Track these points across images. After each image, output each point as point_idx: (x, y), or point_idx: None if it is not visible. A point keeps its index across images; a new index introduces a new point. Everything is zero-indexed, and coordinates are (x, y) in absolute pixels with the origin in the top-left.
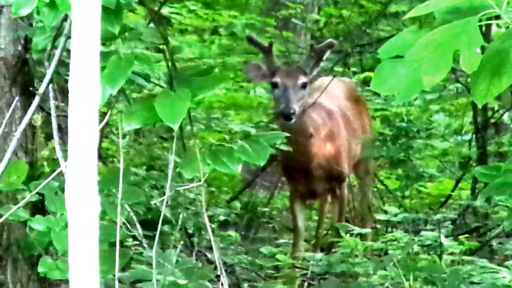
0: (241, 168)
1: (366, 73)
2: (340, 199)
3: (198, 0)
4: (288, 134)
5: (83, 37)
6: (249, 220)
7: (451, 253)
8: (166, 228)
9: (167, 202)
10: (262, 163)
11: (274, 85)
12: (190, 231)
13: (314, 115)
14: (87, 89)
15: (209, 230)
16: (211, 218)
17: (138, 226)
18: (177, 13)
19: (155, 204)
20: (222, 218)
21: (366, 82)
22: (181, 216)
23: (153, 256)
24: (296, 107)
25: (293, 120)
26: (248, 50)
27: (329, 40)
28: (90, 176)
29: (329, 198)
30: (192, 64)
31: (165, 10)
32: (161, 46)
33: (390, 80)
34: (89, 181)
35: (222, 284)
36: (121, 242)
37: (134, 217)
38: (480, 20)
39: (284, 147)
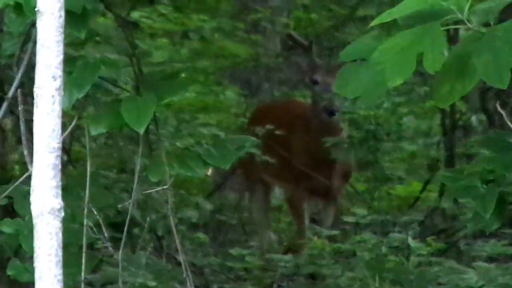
0: (211, 170)
1: None
2: (337, 204)
3: (167, 5)
4: None
5: (48, 42)
6: (219, 222)
7: (419, 255)
8: (136, 231)
9: (137, 205)
10: (227, 167)
11: (315, 82)
12: (159, 234)
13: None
14: (51, 93)
15: (175, 233)
16: (180, 221)
17: (104, 228)
18: (147, 17)
19: (121, 207)
20: (192, 220)
21: None
22: (148, 219)
23: (119, 258)
24: (337, 103)
25: (336, 116)
26: (217, 54)
27: None
28: (55, 180)
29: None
30: (158, 68)
31: (135, 14)
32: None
33: (353, 83)
34: (53, 185)
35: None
36: (91, 245)
37: (101, 220)
38: (447, 25)
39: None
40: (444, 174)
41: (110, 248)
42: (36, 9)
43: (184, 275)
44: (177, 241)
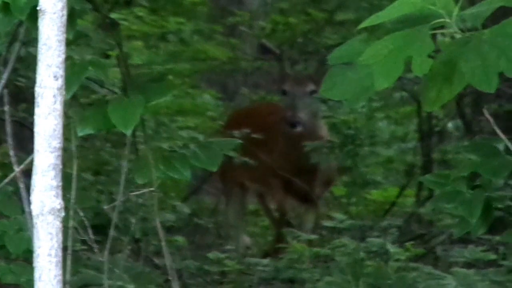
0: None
1: None
2: (318, 209)
3: (145, 6)
4: None
5: (49, 41)
6: (195, 226)
7: (397, 260)
8: (114, 233)
9: (115, 208)
10: (215, 169)
11: (284, 92)
12: (136, 236)
13: (322, 122)
14: (53, 93)
15: (161, 236)
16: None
17: (90, 231)
18: (124, 19)
19: (104, 209)
20: (170, 223)
21: None
22: (134, 221)
23: (105, 260)
24: (302, 115)
25: (298, 128)
26: (194, 57)
27: None
28: (55, 180)
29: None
30: (137, 71)
31: (112, 16)
32: (111, 52)
33: (340, 86)
34: (54, 185)
35: None
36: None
37: (86, 222)
38: (433, 29)
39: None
40: (430, 179)
41: (96, 250)
42: (38, 8)
43: (170, 278)
44: (163, 244)
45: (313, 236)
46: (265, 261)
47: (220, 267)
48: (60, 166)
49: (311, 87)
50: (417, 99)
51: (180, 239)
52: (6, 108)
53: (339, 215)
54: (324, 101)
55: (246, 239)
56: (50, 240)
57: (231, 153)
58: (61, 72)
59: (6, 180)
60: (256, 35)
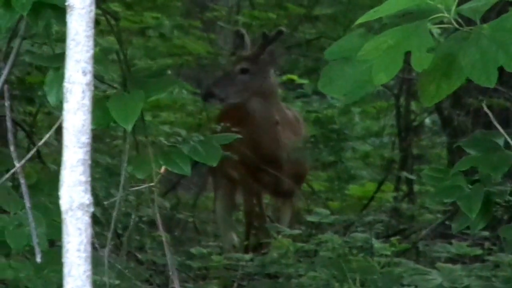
0: (163, 169)
1: (287, 76)
2: (294, 203)
3: (119, 1)
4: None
5: (78, 37)
6: (175, 221)
7: (381, 255)
8: (97, 228)
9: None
10: (215, 164)
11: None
12: (119, 232)
13: (283, 106)
14: (82, 88)
15: (162, 232)
16: (140, 219)
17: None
18: (100, 15)
19: (108, 203)
20: (151, 218)
21: (285, 83)
22: (133, 216)
23: (105, 255)
24: (217, 90)
25: (212, 101)
26: (173, 52)
27: (279, 28)
28: (84, 175)
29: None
30: (145, 65)
31: None
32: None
33: (338, 81)
34: (83, 180)
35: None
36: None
37: None
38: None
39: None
40: (428, 173)
41: (97, 245)
42: (66, 4)
43: (170, 273)
44: (164, 240)
45: (296, 231)
46: (249, 256)
47: (204, 262)
48: (89, 162)
49: (242, 65)
50: (394, 94)
51: (163, 234)
52: (7, 104)
53: (321, 210)
54: (307, 95)
55: (233, 237)
56: (79, 236)
57: None
58: (89, 67)
59: (7, 176)
60: (234, 29)
